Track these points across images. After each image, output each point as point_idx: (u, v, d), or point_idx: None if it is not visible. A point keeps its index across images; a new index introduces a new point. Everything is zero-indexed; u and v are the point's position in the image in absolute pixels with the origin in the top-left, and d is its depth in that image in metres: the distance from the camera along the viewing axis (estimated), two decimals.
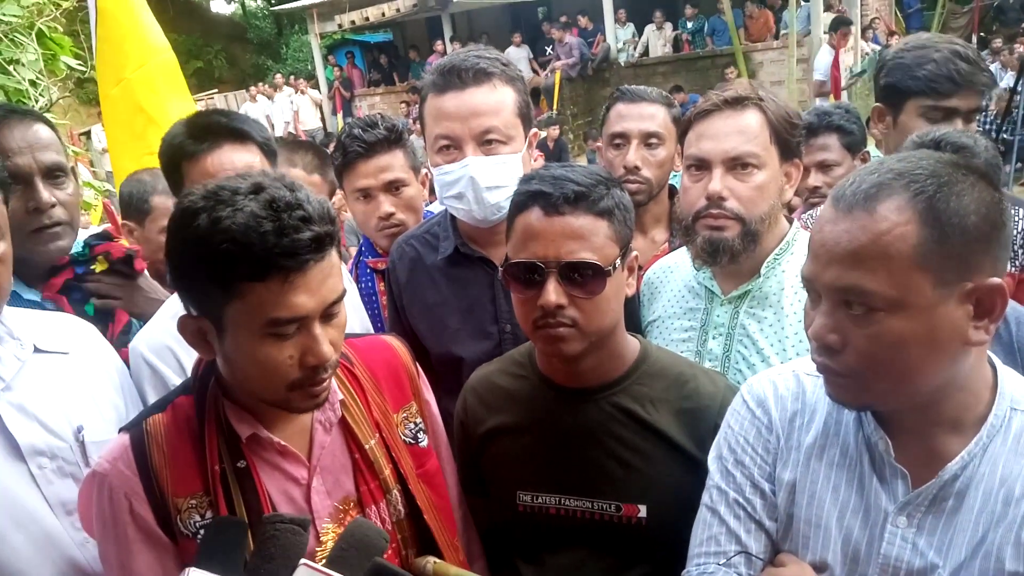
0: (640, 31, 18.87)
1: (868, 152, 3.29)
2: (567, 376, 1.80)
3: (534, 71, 18.29)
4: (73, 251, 2.30)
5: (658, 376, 1.80)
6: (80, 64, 4.48)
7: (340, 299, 1.44)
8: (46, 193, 2.13)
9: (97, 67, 4.11)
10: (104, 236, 2.40)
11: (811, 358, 1.38)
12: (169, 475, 1.47)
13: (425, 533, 1.67)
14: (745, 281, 2.05)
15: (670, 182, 2.82)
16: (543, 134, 13.48)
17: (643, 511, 1.74)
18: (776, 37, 17.18)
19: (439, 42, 20.08)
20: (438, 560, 1.61)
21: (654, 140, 2.71)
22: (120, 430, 1.56)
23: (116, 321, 2.28)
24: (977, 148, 2.09)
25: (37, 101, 3.97)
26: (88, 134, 15.81)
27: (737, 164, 1.94)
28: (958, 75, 2.47)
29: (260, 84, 21.47)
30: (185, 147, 2.05)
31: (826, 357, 1.31)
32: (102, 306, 2.27)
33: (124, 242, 2.52)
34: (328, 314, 1.42)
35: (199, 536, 1.46)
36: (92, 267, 2.30)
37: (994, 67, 12.11)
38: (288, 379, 1.42)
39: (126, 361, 2.04)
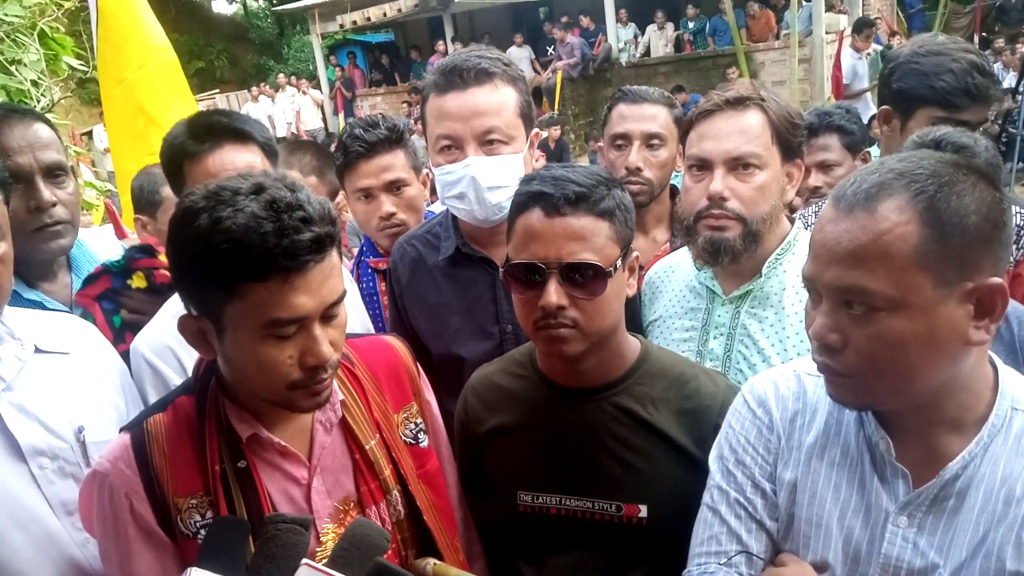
0: (641, 31, 18.87)
1: (869, 152, 3.29)
2: (568, 376, 1.80)
3: (536, 71, 18.29)
4: (109, 260, 2.32)
5: (659, 376, 1.80)
6: (82, 64, 4.49)
7: (340, 300, 1.44)
8: (47, 192, 2.14)
9: (99, 67, 4.12)
10: (146, 251, 2.39)
11: (812, 358, 1.38)
12: (170, 475, 1.47)
13: (425, 534, 1.67)
14: (746, 281, 2.05)
15: (671, 182, 2.82)
16: (544, 134, 13.49)
17: (644, 511, 1.74)
18: (778, 37, 17.17)
19: (440, 42, 20.07)
20: (438, 562, 1.60)
21: (656, 141, 2.70)
22: (121, 430, 1.56)
23: None
24: (977, 148, 2.08)
25: (39, 101, 3.98)
26: (90, 134, 15.83)
27: (739, 164, 1.94)
28: (975, 89, 2.42)
29: (262, 84, 21.47)
30: (186, 147, 2.05)
31: (827, 357, 1.31)
32: (132, 320, 2.27)
33: (162, 257, 2.51)
34: (328, 315, 1.42)
35: (199, 536, 1.46)
36: (129, 281, 2.30)
37: (996, 67, 12.05)
38: (288, 379, 1.42)
39: None
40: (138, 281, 2.29)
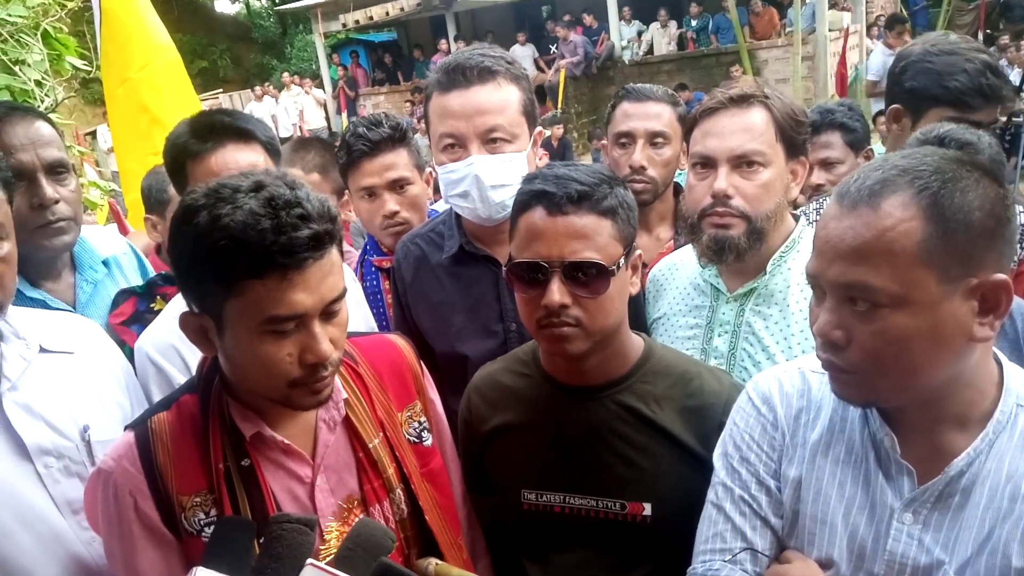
0: (645, 29, 18.85)
1: (872, 150, 3.28)
2: (571, 375, 1.79)
3: (540, 69, 18.28)
4: (134, 286, 2.39)
5: (662, 374, 1.80)
6: (85, 64, 4.50)
7: (341, 297, 1.44)
8: (49, 189, 2.15)
9: (102, 67, 4.13)
10: (167, 279, 2.42)
11: (816, 355, 1.37)
12: (174, 473, 1.48)
13: (428, 533, 1.67)
14: (751, 279, 2.04)
15: (675, 180, 2.82)
16: (547, 133, 13.46)
17: (648, 509, 1.73)
18: (781, 35, 17.13)
19: (443, 41, 20.06)
20: (439, 562, 1.60)
21: (660, 139, 2.70)
22: (125, 428, 1.56)
23: None
24: (981, 144, 2.08)
25: (43, 101, 3.99)
26: (94, 134, 15.84)
27: (743, 162, 1.94)
28: (989, 90, 2.40)
29: (266, 84, 21.48)
30: (189, 146, 2.05)
31: (831, 353, 1.31)
32: None
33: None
34: (328, 312, 1.42)
35: (203, 533, 1.47)
36: (152, 305, 2.34)
37: (1001, 64, 11.96)
38: (288, 377, 1.42)
39: None
40: (160, 305, 2.33)
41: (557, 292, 1.62)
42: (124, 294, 2.37)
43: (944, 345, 1.23)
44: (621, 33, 18.71)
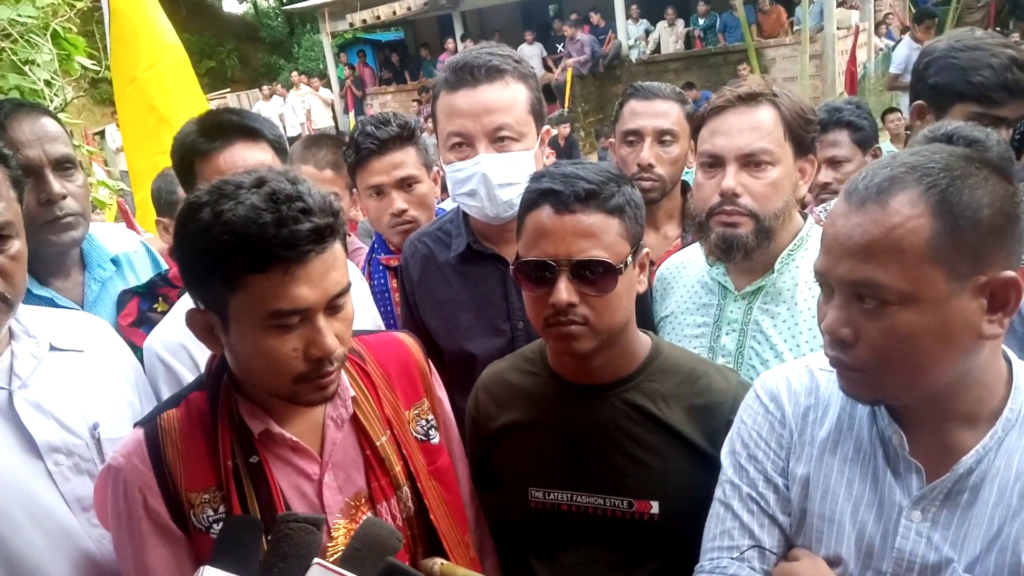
0: (652, 28, 18.82)
1: (880, 148, 3.27)
2: (578, 373, 1.79)
3: (547, 68, 18.26)
4: (135, 286, 2.40)
5: (670, 372, 1.80)
6: (94, 64, 4.51)
7: (345, 292, 1.44)
8: (57, 184, 2.15)
9: (111, 67, 4.15)
10: (168, 279, 2.43)
11: (824, 352, 1.37)
12: (182, 470, 1.48)
13: (434, 531, 1.67)
14: (759, 277, 2.04)
15: (683, 178, 2.81)
16: (555, 131, 13.47)
17: (655, 507, 1.73)
18: (788, 33, 17.09)
19: (450, 40, 20.05)
20: (445, 562, 1.60)
21: (668, 137, 2.70)
22: (134, 425, 1.57)
23: None
24: (990, 142, 2.07)
25: (52, 101, 4.00)
26: (102, 133, 15.91)
27: (751, 161, 1.94)
28: (1015, 84, 2.35)
29: (273, 83, 21.51)
30: (197, 145, 2.06)
31: (839, 351, 1.31)
32: None
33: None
34: (333, 306, 1.42)
35: (212, 530, 1.47)
36: (155, 305, 2.36)
37: None
38: (293, 372, 1.42)
39: None
40: (162, 306, 2.34)
41: (564, 291, 1.62)
42: (127, 294, 2.38)
43: (953, 343, 1.23)
44: (628, 32, 18.68)
